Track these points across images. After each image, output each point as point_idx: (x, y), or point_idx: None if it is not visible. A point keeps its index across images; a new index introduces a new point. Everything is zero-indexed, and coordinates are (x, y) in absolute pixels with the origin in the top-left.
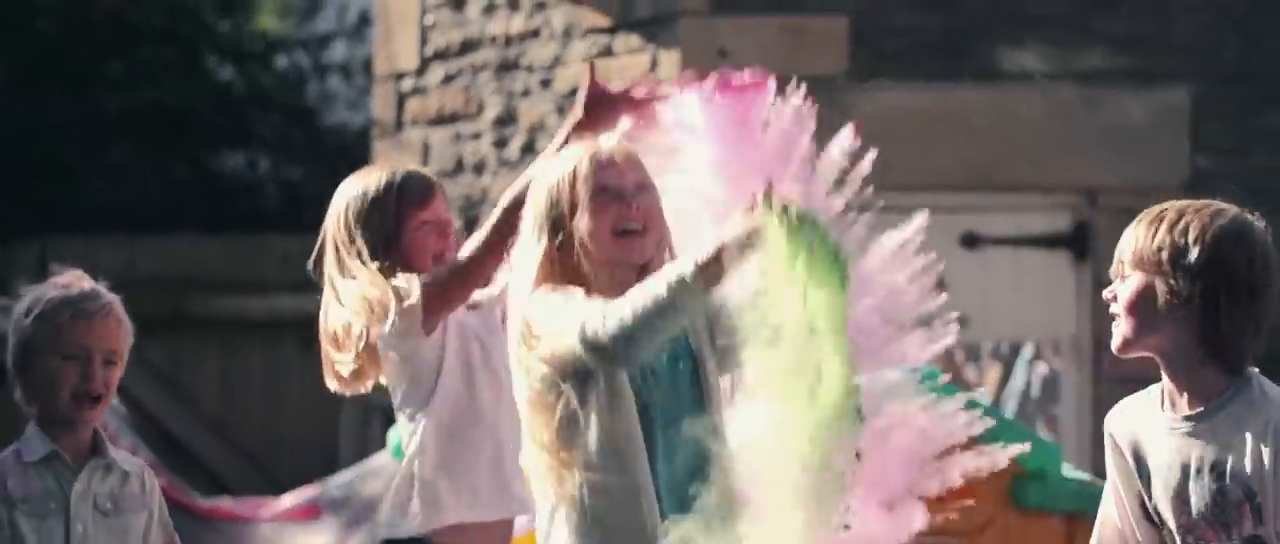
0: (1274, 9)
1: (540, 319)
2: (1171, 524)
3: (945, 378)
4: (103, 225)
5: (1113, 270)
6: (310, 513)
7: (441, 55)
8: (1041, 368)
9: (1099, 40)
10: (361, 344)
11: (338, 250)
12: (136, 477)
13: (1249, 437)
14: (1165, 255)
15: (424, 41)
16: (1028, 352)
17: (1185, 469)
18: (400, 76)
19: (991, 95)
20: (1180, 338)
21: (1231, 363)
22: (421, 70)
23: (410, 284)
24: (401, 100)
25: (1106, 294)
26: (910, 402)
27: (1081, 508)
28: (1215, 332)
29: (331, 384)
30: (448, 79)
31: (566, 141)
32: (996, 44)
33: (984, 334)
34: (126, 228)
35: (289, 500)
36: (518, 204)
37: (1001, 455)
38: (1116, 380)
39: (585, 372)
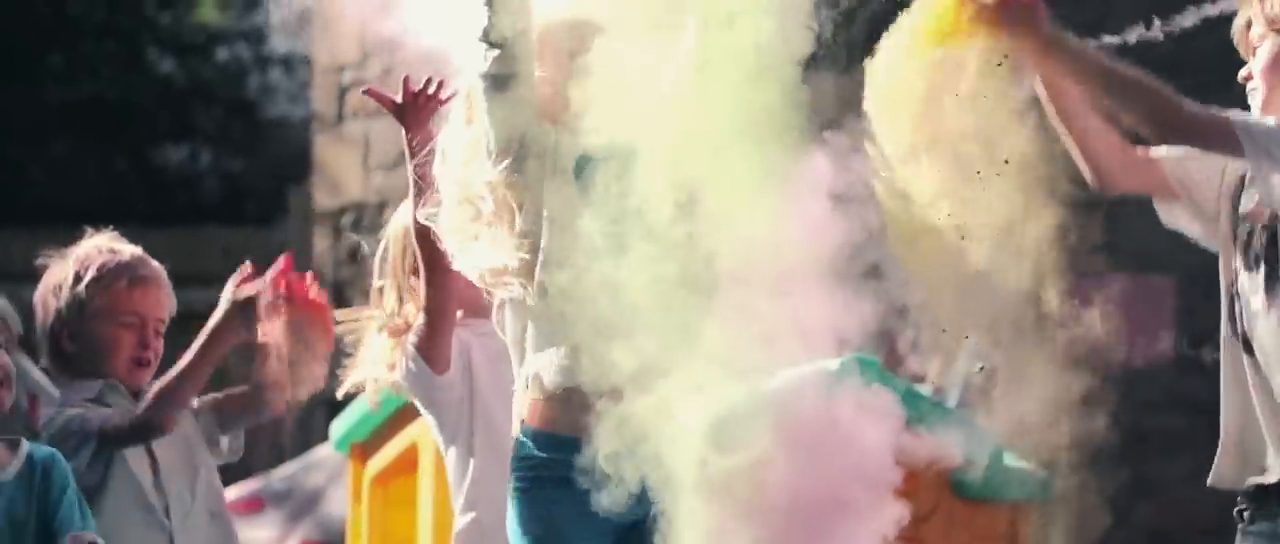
0: None
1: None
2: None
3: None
4: (44, 218)
5: (1245, 54)
6: (254, 506)
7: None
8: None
9: None
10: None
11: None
12: None
13: None
14: None
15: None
16: (970, 341)
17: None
18: (341, 69)
19: None
20: None
21: None
22: (362, 63)
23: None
24: (342, 93)
25: (1242, 74)
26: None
27: (1025, 496)
28: None
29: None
30: (388, 71)
31: (413, 155)
32: None
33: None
34: (68, 221)
35: (232, 493)
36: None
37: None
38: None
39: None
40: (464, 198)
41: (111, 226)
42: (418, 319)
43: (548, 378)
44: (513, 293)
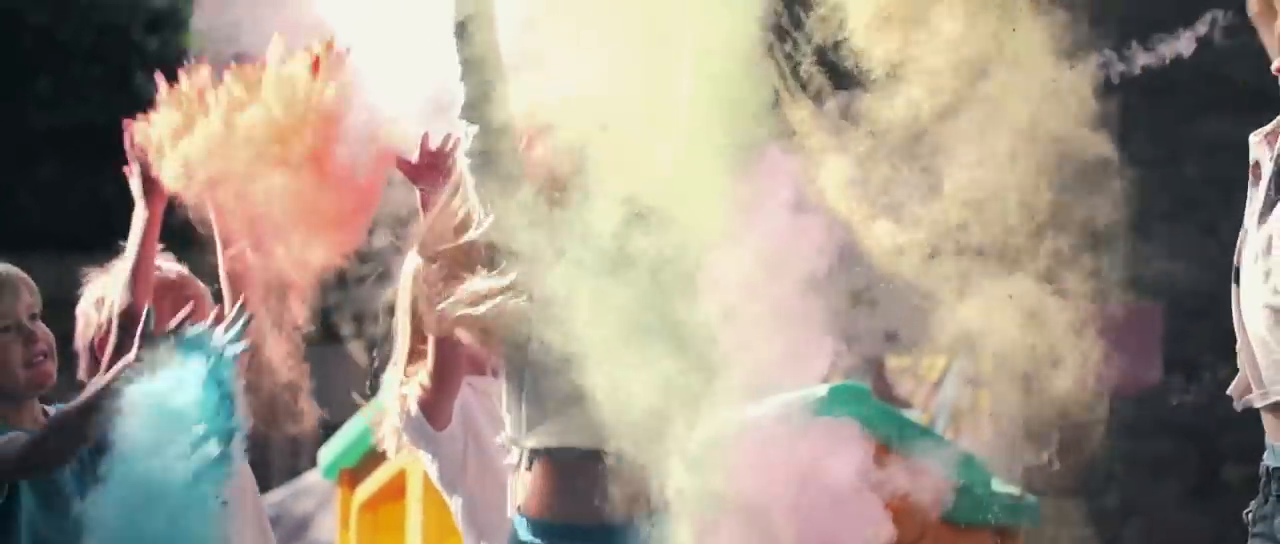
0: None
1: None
2: None
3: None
4: (32, 244)
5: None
6: None
7: None
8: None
9: None
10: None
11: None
12: None
13: None
14: None
15: None
16: (958, 365)
17: None
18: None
19: None
20: None
21: None
22: None
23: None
24: None
25: (1275, 66)
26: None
27: (1012, 522)
28: None
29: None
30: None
31: (427, 211)
32: None
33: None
34: (56, 247)
35: None
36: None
37: (938, 480)
38: None
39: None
40: (454, 256)
41: (100, 252)
42: (423, 377)
43: (539, 443)
44: (508, 303)
